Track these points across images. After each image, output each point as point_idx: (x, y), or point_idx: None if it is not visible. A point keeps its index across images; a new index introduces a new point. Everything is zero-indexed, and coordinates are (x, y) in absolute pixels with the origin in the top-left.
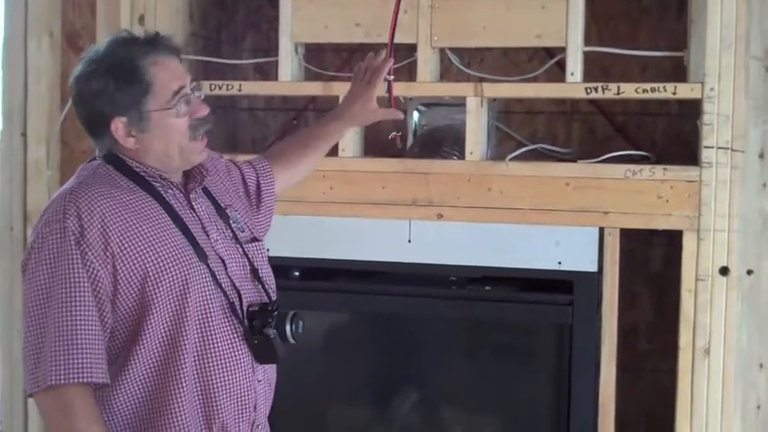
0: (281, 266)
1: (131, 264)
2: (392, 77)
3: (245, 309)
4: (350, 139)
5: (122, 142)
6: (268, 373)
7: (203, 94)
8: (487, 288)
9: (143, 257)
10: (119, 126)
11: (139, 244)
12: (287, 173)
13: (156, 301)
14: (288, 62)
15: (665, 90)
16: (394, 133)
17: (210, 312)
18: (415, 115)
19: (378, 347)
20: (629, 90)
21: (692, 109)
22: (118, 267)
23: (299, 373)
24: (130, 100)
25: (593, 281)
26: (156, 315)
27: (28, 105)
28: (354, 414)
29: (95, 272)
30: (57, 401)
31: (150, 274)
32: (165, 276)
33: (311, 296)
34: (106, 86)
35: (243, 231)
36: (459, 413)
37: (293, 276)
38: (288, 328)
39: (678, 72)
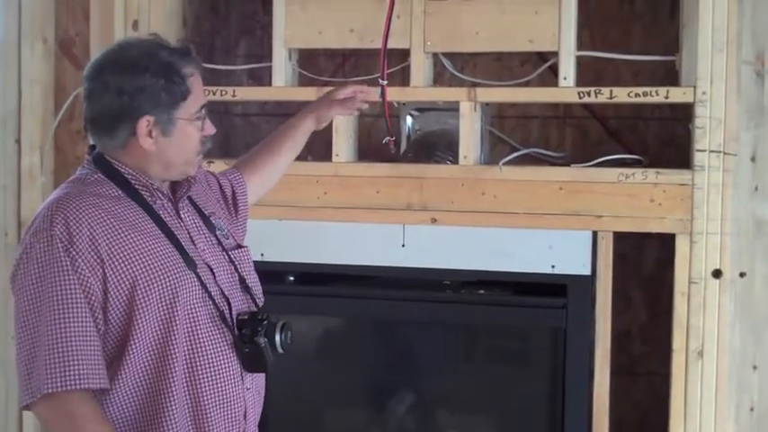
0: (276, 271)
1: (120, 271)
2: (386, 82)
3: (234, 317)
4: (344, 144)
5: (141, 141)
6: (257, 380)
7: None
8: (481, 292)
9: (132, 265)
10: (144, 124)
11: (128, 252)
12: (256, 177)
13: (145, 309)
14: (281, 68)
15: (658, 94)
16: (388, 138)
17: (199, 321)
18: (409, 120)
19: (372, 351)
20: (622, 94)
21: (685, 113)
22: (107, 275)
23: (293, 377)
24: (170, 102)
25: (586, 284)
26: (144, 323)
27: (22, 112)
28: (349, 418)
29: (86, 278)
30: (58, 409)
31: (139, 282)
32: (154, 285)
33: (306, 301)
34: (153, 83)
35: (227, 239)
36: (453, 417)
37: (288, 281)
38: (278, 337)
39: (670, 76)
